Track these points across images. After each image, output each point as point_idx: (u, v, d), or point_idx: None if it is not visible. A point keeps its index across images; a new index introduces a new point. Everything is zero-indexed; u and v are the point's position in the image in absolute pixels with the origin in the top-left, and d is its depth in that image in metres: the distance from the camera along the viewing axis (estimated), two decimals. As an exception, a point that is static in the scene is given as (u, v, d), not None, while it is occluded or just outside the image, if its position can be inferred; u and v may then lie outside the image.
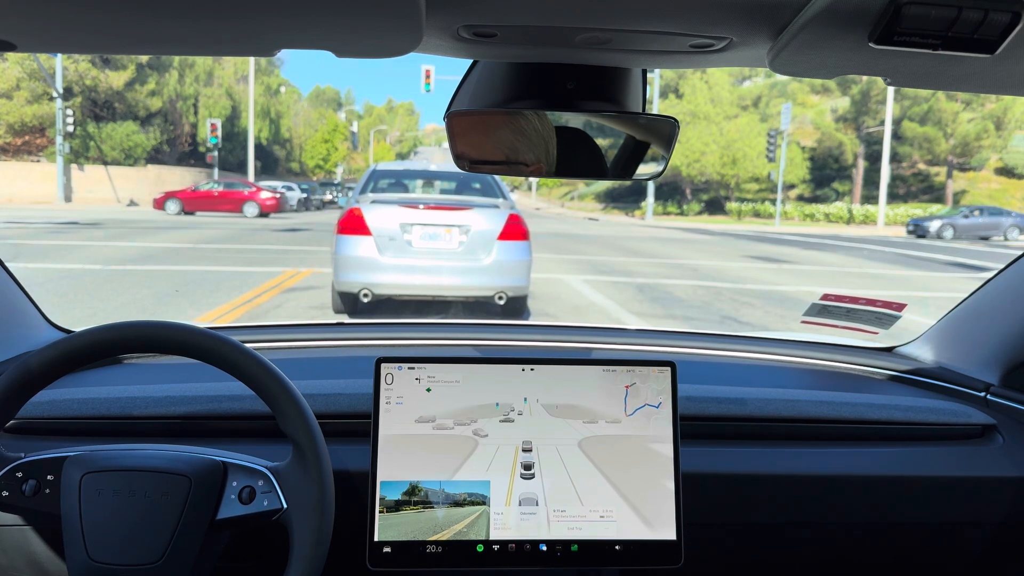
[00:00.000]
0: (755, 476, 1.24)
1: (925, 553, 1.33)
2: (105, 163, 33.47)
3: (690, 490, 1.14)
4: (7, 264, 1.38)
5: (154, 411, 1.21)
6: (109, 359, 1.42)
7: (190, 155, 39.73)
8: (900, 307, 1.61)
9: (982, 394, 1.45)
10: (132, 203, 31.39)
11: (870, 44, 0.69)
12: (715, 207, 41.46)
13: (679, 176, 41.00)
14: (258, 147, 47.30)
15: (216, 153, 36.98)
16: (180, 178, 34.65)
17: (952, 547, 1.33)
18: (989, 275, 1.50)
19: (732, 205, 39.80)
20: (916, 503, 1.27)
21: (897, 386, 1.54)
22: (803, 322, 1.74)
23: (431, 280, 6.35)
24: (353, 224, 6.30)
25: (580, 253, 14.79)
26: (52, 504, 0.96)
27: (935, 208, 34.83)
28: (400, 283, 6.32)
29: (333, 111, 70.34)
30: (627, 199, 51.83)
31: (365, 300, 6.30)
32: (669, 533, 1.12)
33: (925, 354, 1.61)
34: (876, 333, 1.64)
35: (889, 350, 1.69)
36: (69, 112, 31.17)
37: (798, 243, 20.96)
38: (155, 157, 37.37)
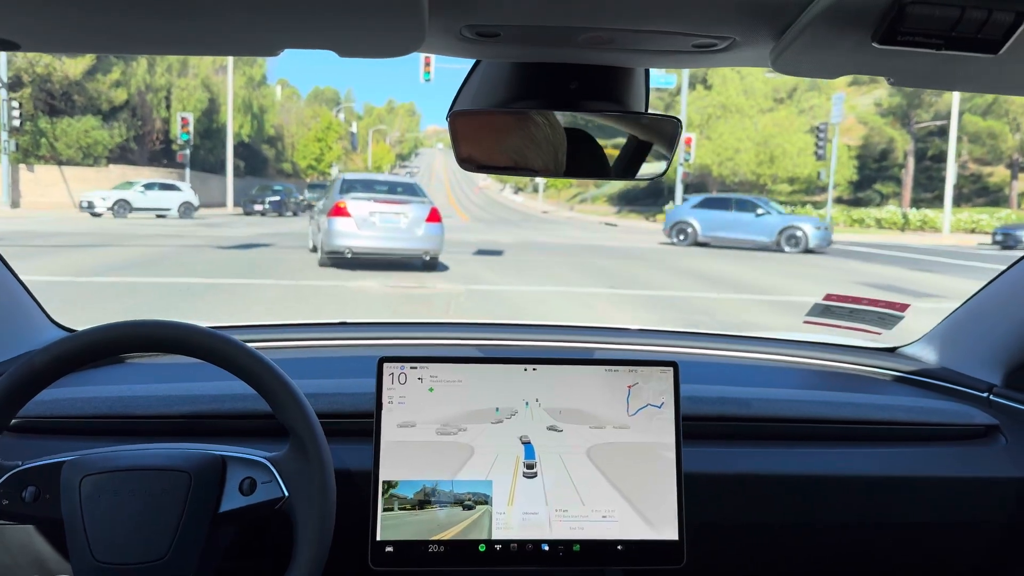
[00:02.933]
0: (757, 476, 1.29)
1: (928, 554, 1.39)
2: (60, 163, 29.18)
3: (692, 490, 1.19)
4: (9, 263, 1.43)
5: (156, 410, 1.25)
6: (111, 358, 1.46)
7: (162, 154, 35.84)
8: (903, 307, 1.66)
9: (985, 395, 1.50)
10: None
11: (873, 44, 0.70)
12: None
13: (707, 176, 36.87)
14: (243, 146, 43.41)
15: (187, 151, 32.46)
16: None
17: (955, 548, 1.39)
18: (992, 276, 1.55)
19: (770, 207, 35.56)
20: (919, 504, 1.33)
21: (900, 386, 1.59)
22: (806, 322, 1.79)
23: (387, 244, 11.59)
24: (341, 211, 11.39)
25: (643, 284, 11.61)
26: (54, 509, 1.00)
27: (1005, 214, 30.44)
28: (369, 246, 11.49)
29: (329, 110, 66.09)
30: (644, 201, 48.36)
31: (348, 256, 11.50)
32: (671, 533, 1.17)
33: (928, 354, 1.66)
34: (879, 333, 1.69)
35: (892, 350, 1.74)
36: (15, 104, 27.02)
37: (881, 258, 18.34)
38: (123, 156, 33.36)
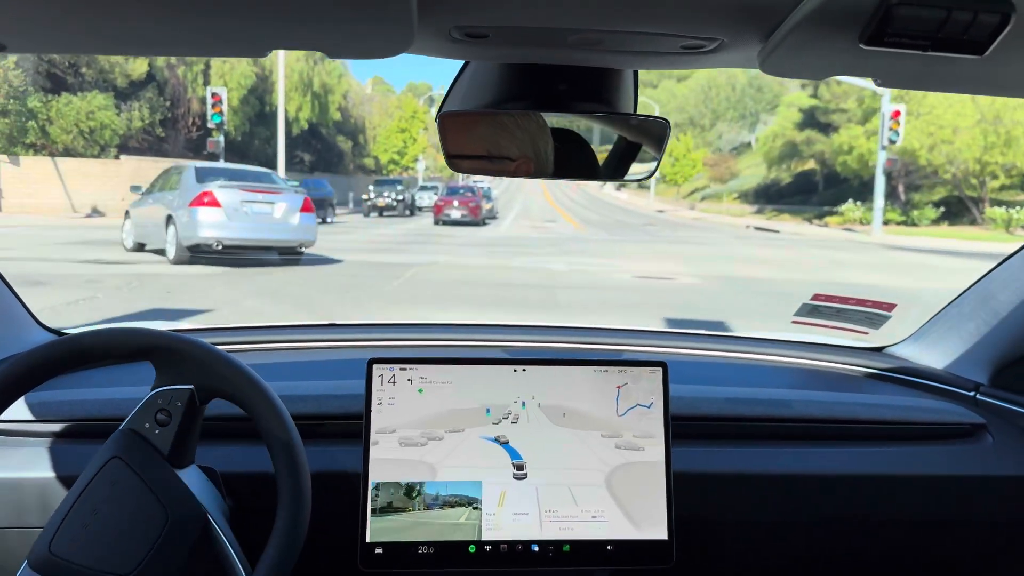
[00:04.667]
0: (746, 476, 1.31)
1: (915, 551, 1.40)
2: (52, 154, 21.86)
3: (681, 490, 1.21)
4: None
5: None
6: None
7: (200, 142, 27.73)
8: (890, 307, 1.68)
9: (972, 394, 1.51)
10: (95, 212, 22.71)
11: (860, 45, 0.71)
12: (957, 213, 27.04)
13: (909, 166, 26.68)
14: (312, 136, 34.90)
15: (220, 139, 24.46)
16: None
17: (942, 545, 1.40)
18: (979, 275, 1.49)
19: (996, 211, 25.12)
20: (906, 502, 1.34)
21: (888, 386, 1.61)
22: (794, 322, 1.80)
23: (261, 235, 11.08)
24: (208, 200, 10.60)
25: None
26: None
27: None
28: (241, 237, 10.86)
29: (414, 98, 58.52)
30: (791, 199, 40.24)
31: (218, 248, 10.61)
32: (660, 533, 1.18)
33: (915, 354, 1.68)
34: (866, 333, 1.70)
35: (879, 350, 1.75)
36: (-16, 75, 19.34)
37: None
38: (152, 144, 25.65)
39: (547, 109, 1.03)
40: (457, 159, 1.07)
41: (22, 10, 0.72)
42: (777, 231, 26.92)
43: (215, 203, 10.62)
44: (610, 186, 77.69)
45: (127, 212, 13.14)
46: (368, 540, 1.13)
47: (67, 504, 0.98)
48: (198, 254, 10.79)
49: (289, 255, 11.55)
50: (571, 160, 1.09)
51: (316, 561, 1.11)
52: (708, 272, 12.38)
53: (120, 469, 1.00)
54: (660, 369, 1.22)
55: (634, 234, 23.02)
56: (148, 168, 23.15)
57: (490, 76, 1.03)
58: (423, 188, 32.98)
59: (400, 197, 27.23)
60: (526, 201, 46.40)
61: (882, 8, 0.66)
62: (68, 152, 24.04)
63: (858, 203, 29.90)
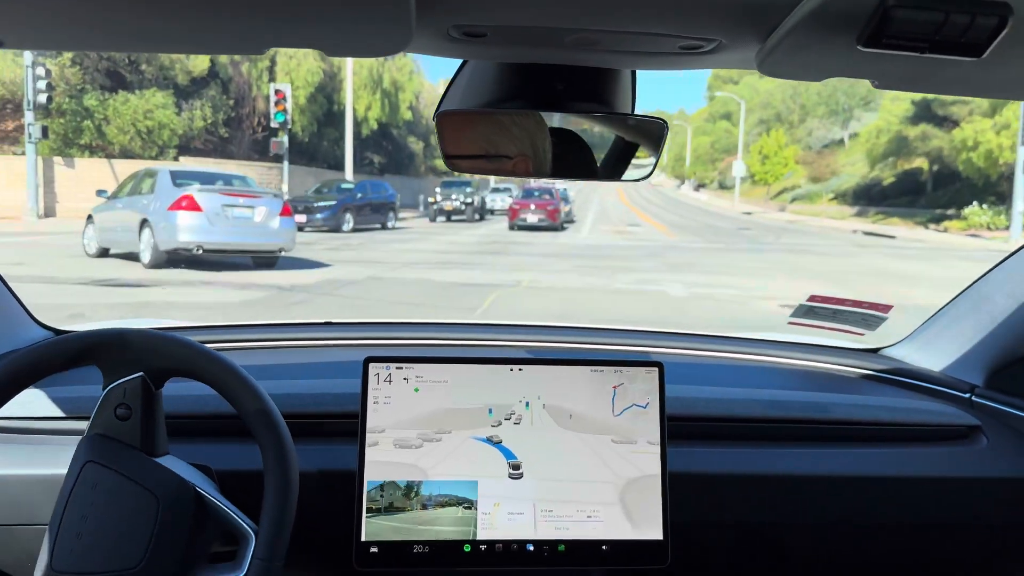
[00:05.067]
0: (741, 476, 1.33)
1: (910, 553, 1.43)
2: (109, 156, 20.67)
3: (677, 490, 1.24)
4: None
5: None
6: None
7: (265, 143, 26.33)
8: (886, 308, 1.71)
9: (967, 395, 1.54)
10: None
11: (858, 47, 0.72)
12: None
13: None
14: (383, 136, 33.27)
15: (284, 139, 22.98)
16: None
17: (937, 547, 1.43)
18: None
19: None
20: (901, 503, 1.36)
21: (883, 387, 1.63)
22: (790, 323, 1.84)
23: (242, 240, 11.01)
24: (189, 204, 10.59)
25: None
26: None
27: None
28: (222, 241, 10.84)
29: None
30: (895, 200, 36.74)
31: (198, 253, 10.72)
32: (656, 533, 1.21)
33: (911, 355, 1.70)
34: (862, 334, 1.73)
35: (875, 351, 1.77)
36: (41, 73, 19.53)
37: None
38: (215, 146, 24.32)
39: (545, 108, 1.05)
40: (455, 159, 1.09)
41: (18, 5, 0.74)
42: (892, 237, 24.21)
43: (196, 207, 10.71)
44: (687, 186, 74.99)
45: (89, 217, 12.84)
46: (363, 539, 1.16)
47: (55, 521, 1.00)
48: (174, 259, 11.00)
49: (264, 260, 11.72)
50: (569, 160, 1.11)
51: (311, 560, 1.13)
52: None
53: (97, 471, 1.02)
54: (656, 369, 1.25)
55: (734, 241, 21.13)
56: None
57: (488, 75, 1.05)
58: (495, 190, 31.29)
59: (469, 200, 25.29)
60: (601, 202, 45.05)
61: (880, 10, 0.67)
62: (125, 153, 23.19)
63: (983, 206, 26.60)
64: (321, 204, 19.39)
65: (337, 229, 19.18)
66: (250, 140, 28.44)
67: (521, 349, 1.69)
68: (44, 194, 20.38)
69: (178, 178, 11.64)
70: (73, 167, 21.66)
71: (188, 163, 23.21)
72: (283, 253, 11.66)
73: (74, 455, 1.03)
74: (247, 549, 1.01)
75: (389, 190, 22.33)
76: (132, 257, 11.37)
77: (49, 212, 20.52)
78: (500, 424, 1.21)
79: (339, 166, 29.05)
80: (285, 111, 23.01)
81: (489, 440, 1.20)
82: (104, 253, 12.23)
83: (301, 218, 17.83)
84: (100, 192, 13.24)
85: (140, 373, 1.03)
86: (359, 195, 20.51)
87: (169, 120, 23.90)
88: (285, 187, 23.06)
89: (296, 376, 1.39)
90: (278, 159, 24.83)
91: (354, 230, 19.56)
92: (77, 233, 12.89)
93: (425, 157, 41.14)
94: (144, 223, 11.08)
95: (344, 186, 21.41)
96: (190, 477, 1.05)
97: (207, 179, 12.04)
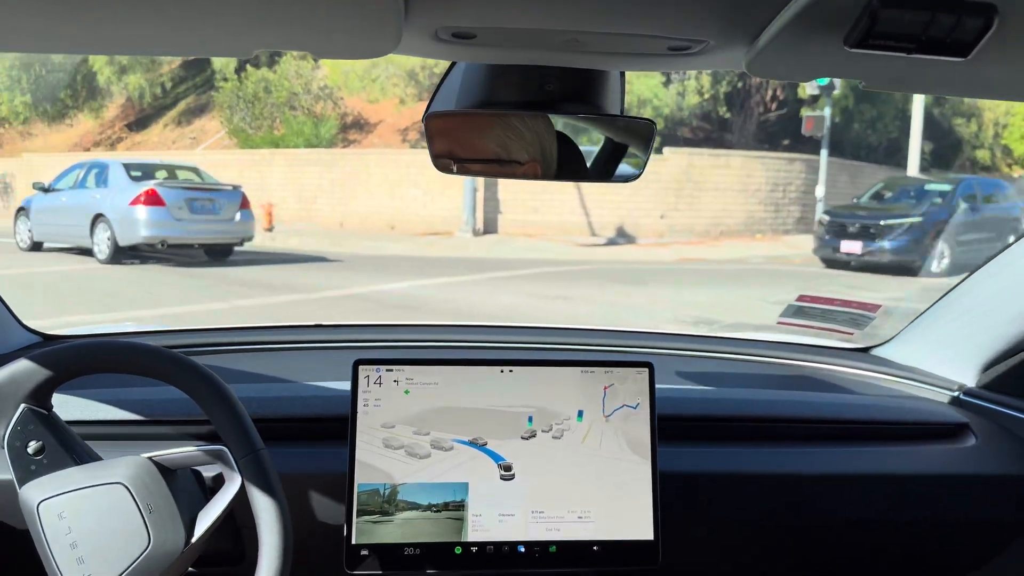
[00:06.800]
0: (732, 476, 1.35)
1: (900, 550, 1.45)
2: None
3: (668, 490, 1.25)
4: None
5: (119, 416, 1.27)
6: None
7: (778, 128, 19.00)
8: (875, 308, 1.72)
9: (956, 394, 1.57)
10: (621, 236, 15.15)
11: (845, 47, 0.73)
12: None
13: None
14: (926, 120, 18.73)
15: (824, 113, 15.45)
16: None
17: (926, 545, 1.45)
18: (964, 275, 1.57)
19: None
20: (891, 502, 1.38)
21: (873, 386, 1.65)
22: (780, 323, 1.85)
23: (205, 232, 11.12)
24: (151, 199, 10.58)
25: None
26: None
27: None
28: (186, 235, 10.90)
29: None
30: None
31: (162, 247, 10.84)
32: (647, 533, 1.22)
33: (900, 354, 1.73)
34: (851, 334, 1.72)
35: (865, 350, 1.81)
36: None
37: None
38: (708, 134, 18.87)
39: (534, 110, 1.06)
40: (445, 160, 1.09)
41: (3, 8, 0.74)
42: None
43: (159, 202, 10.71)
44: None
45: (20, 210, 12.73)
46: (354, 542, 1.16)
47: (52, 568, 0.99)
48: (132, 254, 11.00)
49: (219, 251, 11.73)
50: (560, 161, 1.12)
51: (301, 563, 1.14)
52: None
53: (54, 504, 0.99)
54: (647, 370, 1.26)
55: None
56: (705, 167, 15.23)
57: (477, 77, 1.06)
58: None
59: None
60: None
61: (867, 10, 0.68)
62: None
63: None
64: (891, 222, 11.29)
65: (921, 266, 11.19)
66: (758, 124, 19.39)
67: (511, 351, 1.70)
68: (483, 206, 14.34)
69: (131, 171, 11.62)
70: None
71: (674, 156, 15.04)
72: (242, 244, 11.63)
73: (22, 510, 1.00)
74: (229, 462, 1.01)
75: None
76: (74, 252, 11.20)
77: (485, 230, 14.40)
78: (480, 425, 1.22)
79: (877, 158, 19.37)
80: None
81: (472, 443, 1.20)
82: (38, 247, 12.09)
83: (854, 245, 11.11)
84: (36, 184, 12.81)
85: (22, 406, 1.00)
86: (964, 205, 11.63)
87: (653, 94, 16.39)
88: (821, 189, 14.95)
89: (285, 378, 1.38)
90: (814, 146, 15.37)
91: (949, 271, 10.93)
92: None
93: (970, 146, 23.53)
94: (99, 218, 10.92)
95: (931, 188, 12.38)
96: (132, 454, 1.06)
97: (150, 170, 11.89)
